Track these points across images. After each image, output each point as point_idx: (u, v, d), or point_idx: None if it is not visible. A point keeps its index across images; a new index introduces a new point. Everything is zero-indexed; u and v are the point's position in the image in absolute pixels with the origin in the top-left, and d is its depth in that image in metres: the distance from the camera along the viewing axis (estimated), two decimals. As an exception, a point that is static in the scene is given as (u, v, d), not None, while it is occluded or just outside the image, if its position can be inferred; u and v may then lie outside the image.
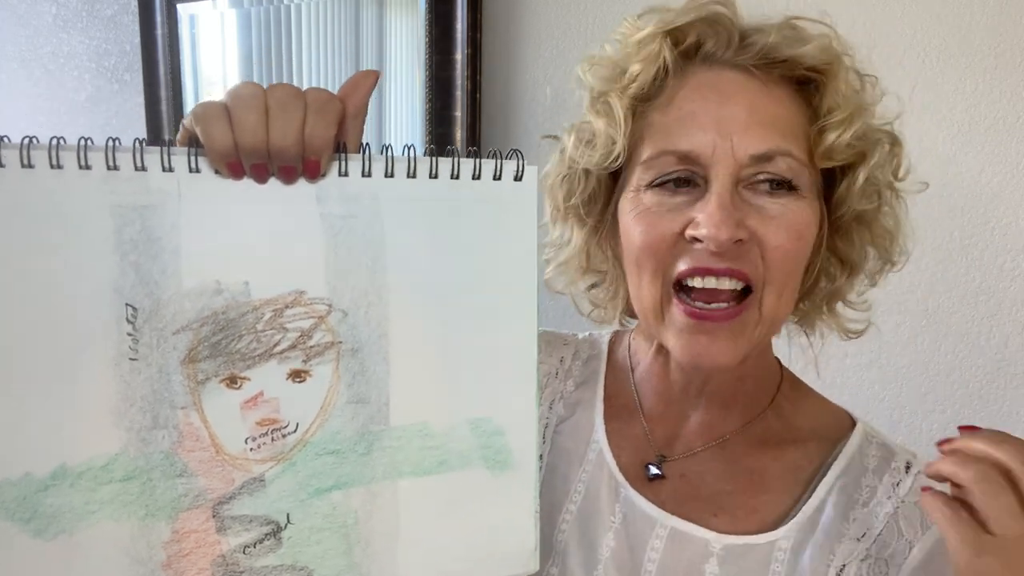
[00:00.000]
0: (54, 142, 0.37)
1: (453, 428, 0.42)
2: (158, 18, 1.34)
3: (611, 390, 0.58)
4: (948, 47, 0.82)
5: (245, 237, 0.39)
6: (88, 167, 0.37)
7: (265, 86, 0.38)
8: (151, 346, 0.38)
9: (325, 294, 0.40)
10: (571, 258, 0.57)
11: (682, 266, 0.47)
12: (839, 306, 0.55)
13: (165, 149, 0.38)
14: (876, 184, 0.50)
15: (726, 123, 0.46)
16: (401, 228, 0.41)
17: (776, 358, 0.57)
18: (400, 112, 1.12)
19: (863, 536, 0.49)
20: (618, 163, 0.50)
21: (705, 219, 0.45)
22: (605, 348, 0.61)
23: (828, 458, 0.53)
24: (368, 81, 0.41)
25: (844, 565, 0.49)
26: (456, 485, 0.43)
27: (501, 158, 0.41)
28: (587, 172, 0.52)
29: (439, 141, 1.07)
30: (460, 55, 1.03)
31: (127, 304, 0.38)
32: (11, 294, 0.37)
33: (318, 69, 1.20)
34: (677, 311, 0.48)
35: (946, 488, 0.39)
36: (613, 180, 0.53)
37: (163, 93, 1.37)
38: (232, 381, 0.39)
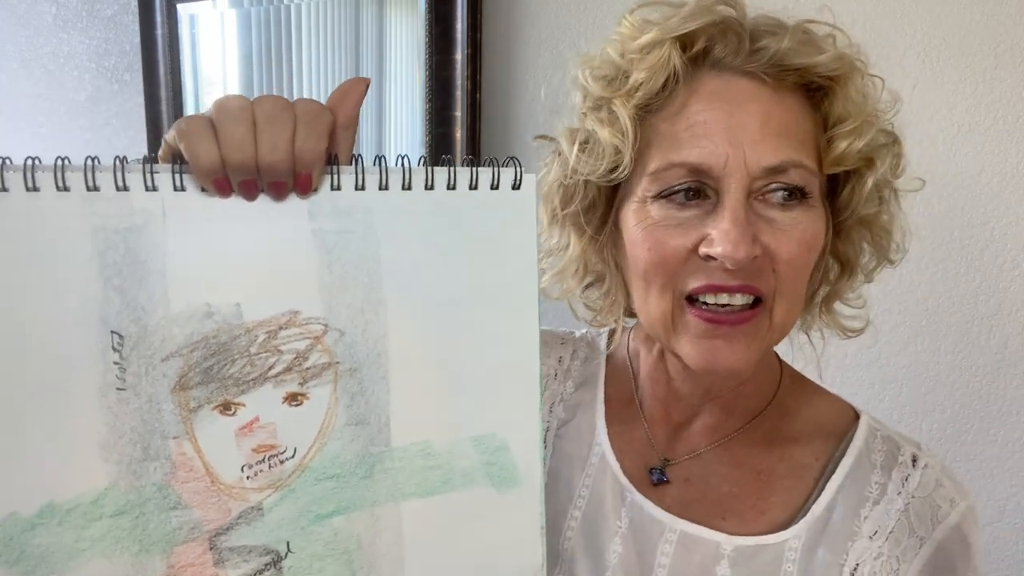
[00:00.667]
0: (29, 163, 0.35)
1: (456, 446, 0.41)
2: (158, 18, 1.33)
3: (611, 391, 0.57)
4: (948, 47, 0.81)
5: (235, 257, 0.38)
6: (66, 189, 0.35)
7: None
8: (139, 375, 0.37)
9: (320, 313, 0.39)
10: (568, 265, 0.55)
11: (694, 283, 0.46)
12: (836, 304, 0.54)
13: (148, 167, 0.36)
14: (881, 188, 0.49)
15: (737, 133, 0.44)
16: (397, 242, 0.39)
17: (775, 354, 0.56)
18: (400, 112, 1.11)
19: (875, 534, 0.49)
20: (624, 175, 0.48)
21: (720, 236, 0.44)
22: (604, 348, 0.60)
23: (835, 454, 0.52)
24: (358, 89, 0.39)
25: (858, 564, 0.48)
26: (461, 504, 0.41)
27: (498, 166, 0.40)
28: (587, 181, 0.50)
29: (439, 141, 1.06)
30: (460, 55, 1.02)
31: (112, 332, 0.37)
32: None
33: (318, 69, 1.19)
34: (691, 318, 0.46)
35: None
36: (614, 188, 0.51)
37: (163, 93, 1.36)
38: (226, 407, 0.38)
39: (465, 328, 0.41)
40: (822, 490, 0.50)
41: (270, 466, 0.39)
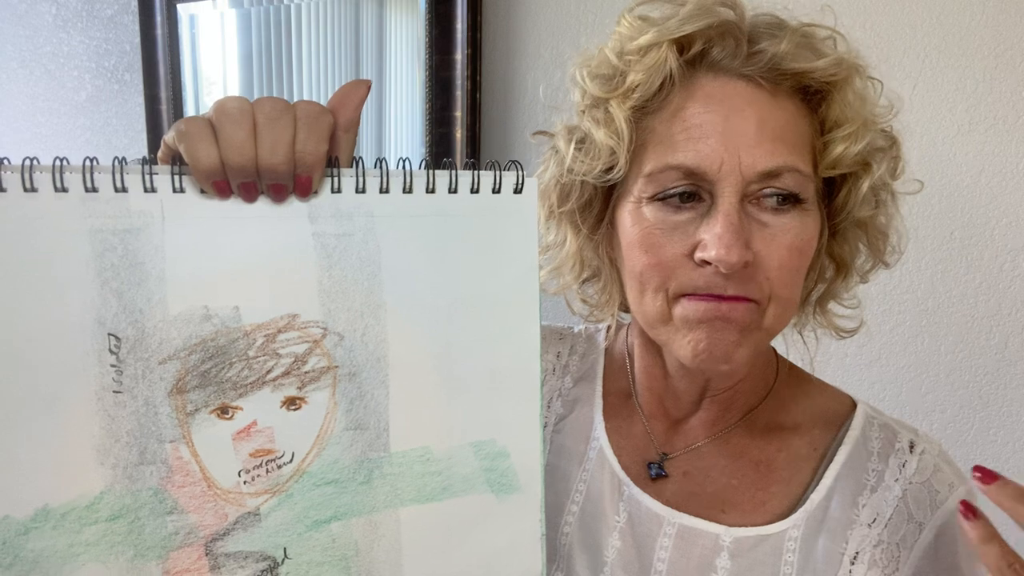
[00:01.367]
0: (27, 163, 0.34)
1: (456, 452, 0.41)
2: (158, 18, 1.33)
3: (609, 386, 0.57)
4: (948, 47, 0.81)
5: (234, 259, 0.37)
6: (64, 189, 0.35)
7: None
8: (136, 377, 0.37)
9: (320, 317, 0.38)
10: (565, 262, 0.55)
11: (689, 288, 0.46)
12: (830, 305, 0.54)
13: (146, 169, 0.36)
14: (877, 191, 0.49)
15: (733, 137, 0.44)
16: (397, 246, 0.39)
17: (772, 348, 0.56)
18: (400, 112, 1.11)
19: (874, 522, 0.49)
20: (619, 176, 0.48)
21: (714, 240, 0.43)
22: (602, 343, 0.60)
23: (832, 444, 0.52)
24: (359, 92, 0.39)
25: (858, 552, 0.48)
26: (460, 511, 0.41)
27: (500, 170, 0.40)
28: (584, 180, 0.50)
29: (439, 141, 1.06)
30: (460, 55, 1.02)
31: (110, 334, 0.36)
32: None
33: (318, 69, 1.19)
34: (688, 303, 0.46)
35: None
36: (610, 187, 0.51)
37: (163, 93, 1.35)
38: (223, 411, 0.38)
39: (465, 333, 0.40)
40: (820, 479, 0.50)
41: (267, 471, 0.38)
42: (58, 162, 0.35)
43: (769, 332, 0.48)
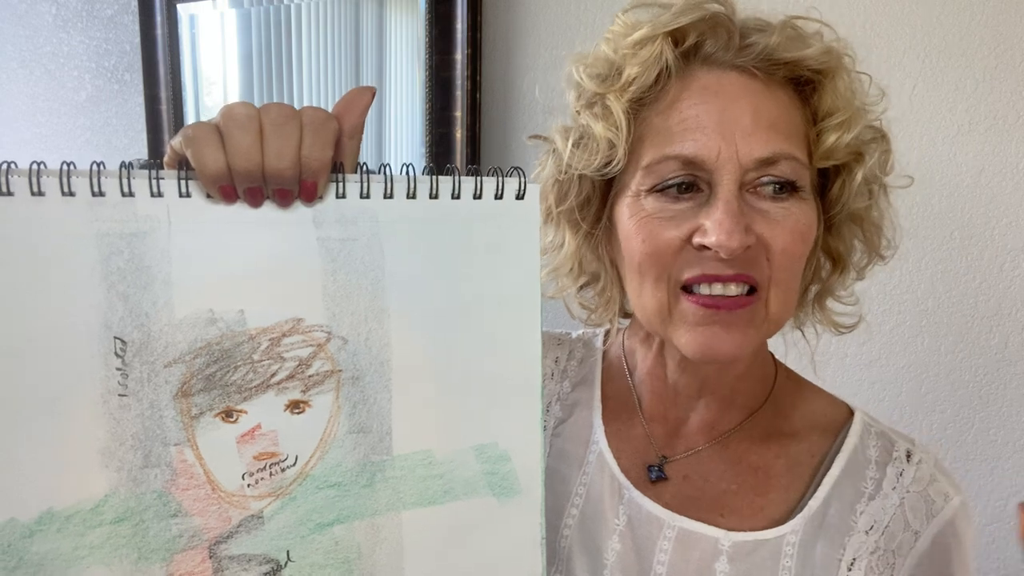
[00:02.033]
0: (34, 167, 0.35)
1: (457, 455, 0.41)
2: (158, 18, 1.33)
3: (608, 390, 0.58)
4: (948, 47, 0.81)
5: (239, 264, 0.38)
6: (71, 193, 0.35)
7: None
8: (142, 381, 0.37)
9: (324, 321, 0.39)
10: (563, 263, 0.56)
11: (689, 273, 0.46)
12: (828, 301, 0.55)
13: (153, 173, 0.36)
14: (870, 182, 0.50)
15: (729, 127, 0.45)
16: (401, 250, 0.39)
17: (770, 353, 0.57)
18: (400, 112, 1.11)
19: (871, 529, 0.49)
20: (618, 168, 0.48)
21: (714, 227, 0.44)
22: (600, 348, 0.60)
23: (830, 450, 0.52)
24: (364, 98, 0.39)
25: (855, 559, 0.49)
26: (462, 514, 0.41)
27: (502, 176, 0.40)
28: (582, 176, 0.50)
29: (439, 141, 1.06)
30: (460, 55, 1.02)
31: (116, 337, 0.36)
32: None
33: (318, 69, 1.19)
34: (688, 305, 0.47)
35: None
36: (608, 183, 0.51)
37: (163, 93, 1.35)
38: (228, 414, 0.38)
39: (467, 337, 0.40)
40: (818, 485, 0.51)
41: (271, 474, 0.39)
42: (65, 166, 0.35)
43: (775, 322, 0.48)
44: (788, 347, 0.57)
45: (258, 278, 0.38)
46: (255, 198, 0.37)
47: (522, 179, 0.40)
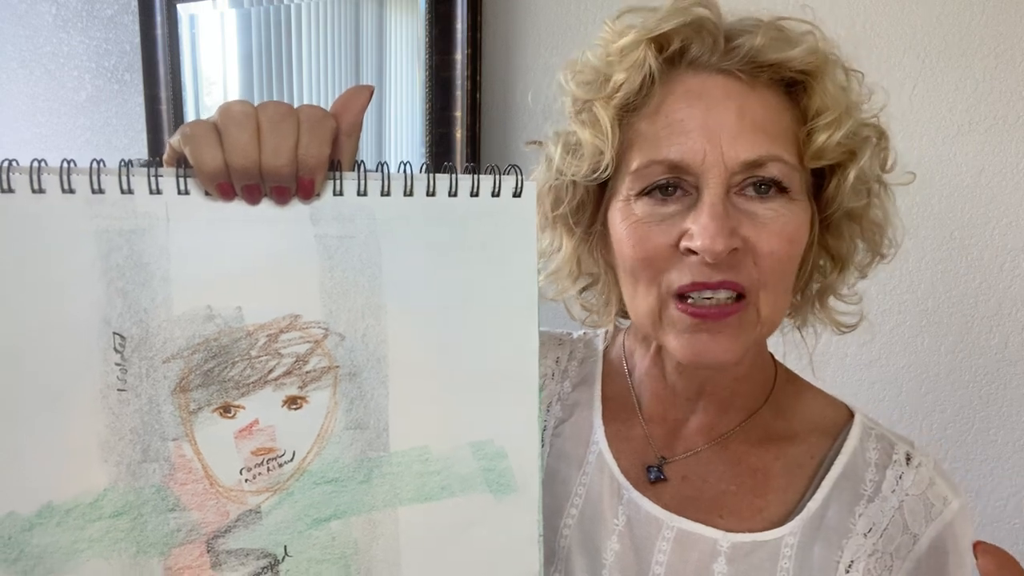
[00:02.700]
0: (35, 164, 0.35)
1: (454, 452, 0.41)
2: (158, 18, 1.33)
3: (608, 391, 0.58)
4: (948, 47, 0.81)
5: (237, 261, 0.38)
6: (72, 191, 0.36)
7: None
8: (140, 376, 0.37)
9: (321, 317, 0.39)
10: (562, 266, 0.56)
11: (680, 280, 0.46)
12: (830, 300, 0.55)
13: (152, 171, 0.36)
14: (866, 180, 0.49)
15: (715, 130, 0.45)
16: (398, 248, 0.39)
17: (770, 354, 0.57)
18: (400, 112, 1.11)
19: (869, 531, 0.49)
20: (606, 174, 0.49)
21: (699, 230, 0.44)
22: (600, 349, 0.61)
23: (829, 452, 0.52)
24: (362, 97, 0.39)
25: (852, 561, 0.49)
26: (459, 510, 0.41)
27: (499, 174, 0.40)
28: (575, 182, 0.51)
29: (439, 141, 1.06)
30: (460, 55, 1.02)
31: (115, 333, 0.37)
32: None
33: (318, 69, 1.19)
34: (677, 312, 0.47)
35: None
36: (601, 188, 0.52)
37: (163, 93, 1.36)
38: (226, 410, 0.38)
39: (464, 334, 0.41)
40: (817, 487, 0.51)
41: (269, 469, 0.39)
42: (65, 164, 0.35)
43: (767, 324, 0.48)
44: (787, 348, 0.57)
45: (256, 275, 0.38)
46: (253, 195, 0.37)
47: (519, 177, 0.40)
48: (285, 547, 0.39)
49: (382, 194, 0.39)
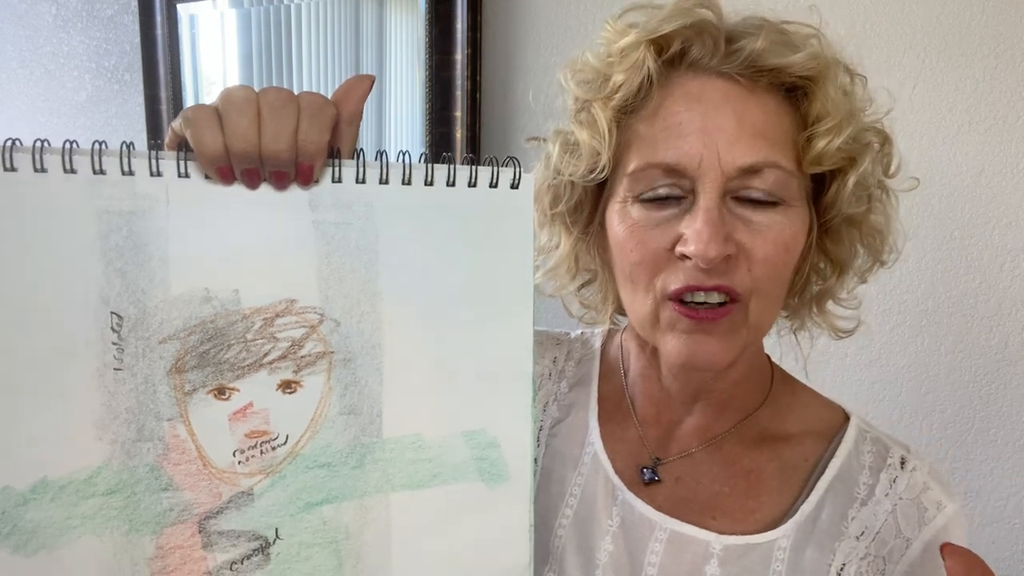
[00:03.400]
0: (38, 144, 0.36)
1: (447, 440, 0.41)
2: (158, 18, 1.33)
3: (604, 392, 0.58)
4: (948, 47, 0.81)
5: (235, 244, 0.38)
6: (73, 171, 0.36)
7: (264, 86, 0.37)
8: (137, 356, 0.37)
9: (317, 303, 0.39)
10: (560, 263, 0.56)
11: (674, 284, 0.46)
12: (828, 304, 0.55)
13: (153, 153, 0.37)
14: (866, 186, 0.49)
15: (712, 134, 0.45)
16: (395, 236, 0.40)
17: (767, 355, 0.57)
18: (400, 112, 1.11)
19: (862, 535, 0.49)
20: (603, 175, 0.49)
21: (693, 236, 0.44)
22: (598, 348, 0.61)
23: (824, 455, 0.52)
24: (363, 86, 0.40)
25: (844, 564, 0.49)
26: (450, 498, 0.42)
27: (498, 165, 0.40)
28: (572, 182, 0.51)
29: (439, 141, 1.07)
30: (460, 55, 1.02)
31: (112, 312, 0.37)
32: None
33: (318, 69, 1.19)
34: (672, 313, 0.47)
35: None
36: (599, 188, 0.52)
37: (163, 93, 1.36)
38: (220, 392, 0.38)
39: (459, 323, 0.41)
40: (811, 490, 0.51)
41: (262, 452, 0.39)
42: (68, 144, 0.36)
43: (756, 329, 0.48)
44: (784, 350, 0.57)
45: (253, 259, 0.38)
46: (252, 179, 0.38)
47: (516, 169, 0.40)
48: (276, 530, 0.39)
49: (380, 182, 0.39)
